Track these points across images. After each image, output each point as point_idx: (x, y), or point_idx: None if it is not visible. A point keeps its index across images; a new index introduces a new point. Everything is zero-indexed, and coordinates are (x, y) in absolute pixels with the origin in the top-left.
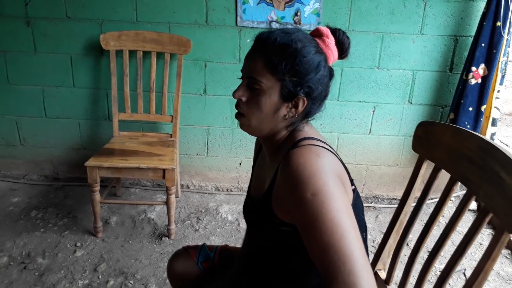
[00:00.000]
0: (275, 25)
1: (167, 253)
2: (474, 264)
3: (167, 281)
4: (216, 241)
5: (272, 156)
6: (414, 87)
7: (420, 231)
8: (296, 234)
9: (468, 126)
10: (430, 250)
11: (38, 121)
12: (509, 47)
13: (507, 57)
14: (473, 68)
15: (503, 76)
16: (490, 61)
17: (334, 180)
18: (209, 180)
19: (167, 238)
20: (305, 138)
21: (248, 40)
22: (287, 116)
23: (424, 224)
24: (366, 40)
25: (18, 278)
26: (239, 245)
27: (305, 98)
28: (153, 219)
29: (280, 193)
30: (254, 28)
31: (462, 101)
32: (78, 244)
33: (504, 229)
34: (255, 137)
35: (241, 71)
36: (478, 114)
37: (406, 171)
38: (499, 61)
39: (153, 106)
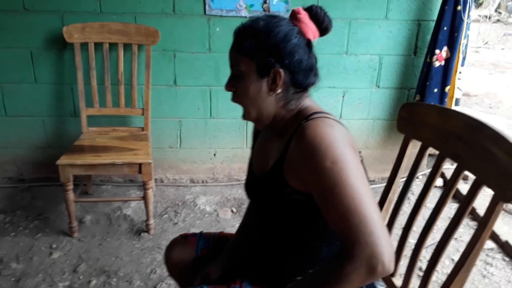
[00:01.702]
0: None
1: (148, 249)
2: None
3: (151, 276)
4: None
5: (278, 132)
6: (381, 71)
7: (408, 211)
8: (308, 202)
9: None
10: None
11: None
12: (468, 30)
13: (467, 40)
14: (437, 51)
15: (464, 58)
16: (452, 44)
17: (350, 149)
18: (183, 172)
19: (146, 234)
20: (316, 112)
21: (217, 29)
22: (272, 93)
23: (410, 203)
24: (334, 26)
25: None
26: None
27: (280, 70)
28: (129, 216)
29: (295, 162)
30: (223, 16)
31: (427, 83)
32: (54, 246)
33: (499, 199)
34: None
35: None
36: (442, 95)
37: (376, 154)
38: (460, 43)
39: (123, 100)
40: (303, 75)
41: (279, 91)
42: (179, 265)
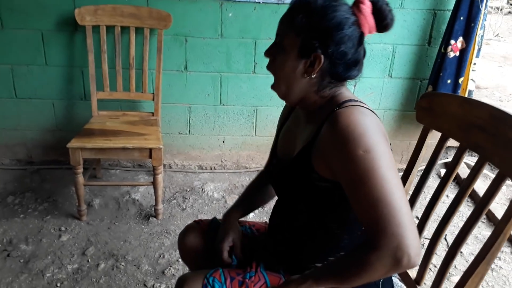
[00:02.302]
0: None
1: (156, 233)
2: (453, 229)
3: (160, 260)
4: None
5: (308, 117)
6: (394, 61)
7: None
8: (334, 190)
9: None
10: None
11: (8, 102)
12: (485, 20)
13: (484, 31)
14: (452, 42)
15: (479, 49)
16: (468, 34)
17: (383, 139)
18: (192, 159)
19: (155, 219)
20: (350, 100)
21: (230, 14)
22: (306, 75)
23: (430, 194)
24: None
25: (2, 266)
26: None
27: (322, 56)
28: (138, 200)
29: (325, 149)
30: (237, 2)
31: (441, 74)
32: (63, 229)
33: None
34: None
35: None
36: (456, 86)
37: None
38: (476, 34)
39: (133, 84)
40: (343, 68)
41: (314, 76)
42: (193, 251)
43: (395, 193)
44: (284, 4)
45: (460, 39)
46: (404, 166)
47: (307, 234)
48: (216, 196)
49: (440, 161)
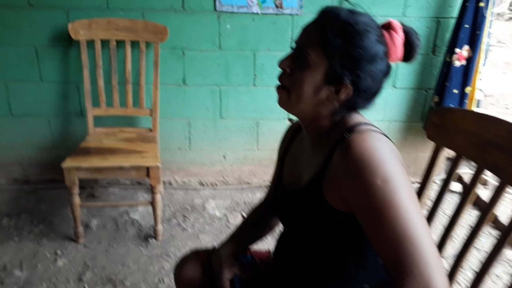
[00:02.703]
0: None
1: (156, 256)
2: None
3: (159, 285)
4: (206, 239)
5: (315, 143)
6: (398, 71)
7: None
8: (347, 223)
9: None
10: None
11: (3, 120)
12: (491, 28)
13: (490, 38)
14: (457, 50)
15: (486, 58)
16: (474, 42)
17: (401, 167)
18: (192, 175)
19: (154, 240)
20: (360, 124)
21: (228, 26)
22: (327, 101)
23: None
24: None
25: None
26: None
27: (350, 87)
28: (137, 220)
29: (338, 179)
30: (234, 13)
31: (446, 84)
32: (59, 252)
33: None
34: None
35: (295, 42)
36: (462, 96)
37: None
38: (482, 42)
39: (130, 99)
40: (364, 100)
41: (333, 101)
42: (191, 285)
43: (420, 227)
44: (283, 15)
45: (466, 47)
46: (411, 180)
47: (317, 266)
48: (218, 214)
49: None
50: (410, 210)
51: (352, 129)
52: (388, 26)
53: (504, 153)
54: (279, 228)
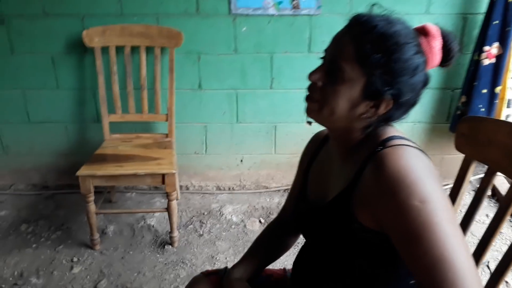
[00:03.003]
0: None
1: (172, 263)
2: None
3: None
4: (223, 246)
5: (344, 155)
6: None
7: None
8: (378, 242)
9: (483, 110)
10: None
11: (21, 127)
12: None
13: None
14: (486, 48)
15: None
16: (504, 39)
17: (439, 185)
18: (209, 179)
19: (170, 246)
20: (394, 137)
21: (243, 29)
22: (364, 116)
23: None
24: None
25: None
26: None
27: (391, 101)
28: (153, 226)
29: (370, 197)
30: (250, 15)
31: (475, 83)
32: (75, 259)
33: None
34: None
35: (325, 51)
36: (492, 96)
37: None
38: None
39: (146, 105)
40: (403, 112)
41: (370, 115)
42: None
43: (460, 251)
44: (300, 16)
45: (495, 44)
46: None
47: (341, 285)
48: (235, 220)
49: (474, 177)
50: (449, 232)
51: (385, 143)
52: (424, 32)
53: None
54: (299, 243)
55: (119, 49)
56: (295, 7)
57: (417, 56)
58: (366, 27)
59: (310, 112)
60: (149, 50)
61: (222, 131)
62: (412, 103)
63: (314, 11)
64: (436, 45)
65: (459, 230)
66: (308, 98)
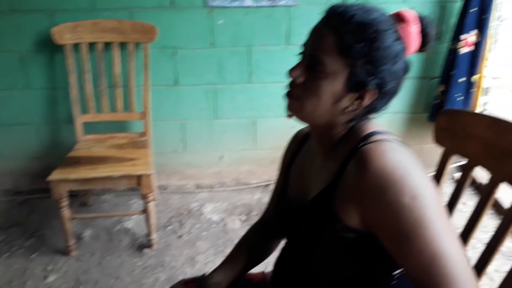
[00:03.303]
0: None
1: (151, 267)
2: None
3: None
4: (203, 246)
5: (326, 153)
6: None
7: None
8: (359, 241)
9: (461, 99)
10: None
11: None
12: (500, 11)
13: (499, 22)
14: (463, 36)
15: (494, 43)
16: (481, 27)
17: (427, 178)
18: (188, 178)
19: (149, 249)
20: (375, 132)
21: (220, 22)
22: (348, 109)
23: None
24: None
25: None
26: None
27: (375, 91)
28: (130, 229)
29: (355, 195)
30: (226, 7)
31: (453, 72)
32: (50, 268)
33: None
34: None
35: (303, 46)
36: (469, 85)
37: None
38: (490, 27)
39: (120, 104)
40: (385, 102)
41: (354, 108)
42: None
43: (454, 245)
44: (278, 7)
45: (472, 33)
46: None
47: (325, 286)
48: (215, 218)
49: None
50: (442, 227)
51: (367, 138)
52: (400, 18)
53: None
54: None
55: (91, 46)
56: None
57: (397, 42)
58: (344, 17)
59: (291, 109)
60: (123, 46)
61: (201, 127)
62: (394, 92)
63: (292, 2)
64: (413, 31)
65: (449, 221)
66: (288, 95)
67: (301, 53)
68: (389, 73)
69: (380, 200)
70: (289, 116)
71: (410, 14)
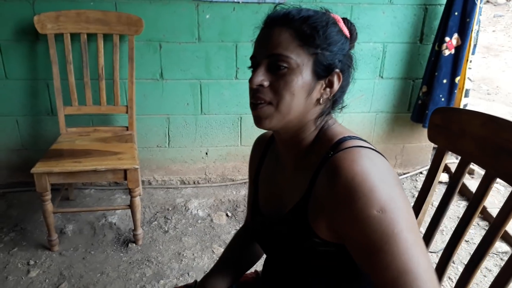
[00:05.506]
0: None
1: (137, 262)
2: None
3: None
4: (189, 242)
5: (296, 162)
6: (384, 61)
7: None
8: (337, 255)
9: (443, 99)
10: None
11: None
12: (480, 15)
13: (479, 26)
14: (446, 39)
15: (475, 46)
16: (464, 30)
17: (398, 189)
18: (173, 173)
19: (134, 244)
20: (345, 138)
21: (207, 16)
22: (321, 100)
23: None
24: (335, 12)
25: None
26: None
27: (340, 73)
28: (115, 224)
29: (325, 207)
30: (214, 2)
31: (436, 73)
32: (32, 262)
33: None
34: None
35: (253, 56)
36: (452, 86)
37: (379, 148)
38: (472, 30)
39: (104, 96)
40: (343, 92)
41: (330, 97)
42: None
43: (423, 261)
44: (266, 4)
45: (455, 35)
46: (397, 171)
47: None
48: (201, 214)
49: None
50: (411, 241)
51: (337, 146)
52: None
53: None
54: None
55: (75, 37)
56: None
57: (340, 32)
58: (290, 15)
59: (265, 117)
60: (107, 38)
61: (186, 123)
62: (349, 80)
63: (278, 1)
64: (343, 26)
65: (419, 235)
66: (257, 104)
67: (252, 64)
68: (344, 53)
69: (348, 211)
70: (260, 125)
71: (336, 15)
